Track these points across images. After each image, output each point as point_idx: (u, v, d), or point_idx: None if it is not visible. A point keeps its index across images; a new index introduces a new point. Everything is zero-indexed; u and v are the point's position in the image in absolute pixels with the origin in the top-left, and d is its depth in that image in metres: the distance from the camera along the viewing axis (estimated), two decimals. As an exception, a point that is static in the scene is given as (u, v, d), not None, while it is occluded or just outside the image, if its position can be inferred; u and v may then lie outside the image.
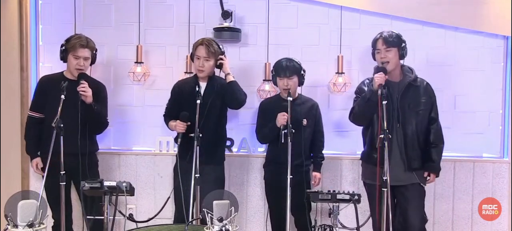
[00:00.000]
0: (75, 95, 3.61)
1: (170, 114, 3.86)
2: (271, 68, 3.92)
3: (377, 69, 3.54)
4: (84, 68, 3.78)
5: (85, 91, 3.63)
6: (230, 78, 3.75)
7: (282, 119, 3.60)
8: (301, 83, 3.84)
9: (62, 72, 3.88)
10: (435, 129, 3.61)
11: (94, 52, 3.85)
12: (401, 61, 3.64)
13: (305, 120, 3.79)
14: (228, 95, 3.73)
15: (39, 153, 3.85)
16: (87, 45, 3.77)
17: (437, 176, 3.65)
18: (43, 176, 3.32)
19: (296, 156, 3.59)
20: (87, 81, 3.73)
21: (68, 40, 3.79)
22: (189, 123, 3.64)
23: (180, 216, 3.59)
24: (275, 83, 3.87)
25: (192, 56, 3.84)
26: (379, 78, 3.44)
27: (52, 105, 3.53)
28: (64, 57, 3.80)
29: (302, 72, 3.80)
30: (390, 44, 3.55)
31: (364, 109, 3.55)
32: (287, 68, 3.75)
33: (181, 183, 3.53)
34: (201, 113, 3.61)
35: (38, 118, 3.83)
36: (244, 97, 3.79)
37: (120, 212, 3.27)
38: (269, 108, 3.87)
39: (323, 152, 3.97)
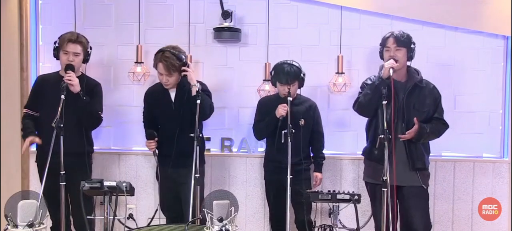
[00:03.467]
0: (70, 93, 3.55)
1: (148, 122, 3.88)
2: (271, 70, 3.91)
3: (387, 59, 3.56)
4: (74, 64, 3.66)
5: (71, 79, 3.54)
6: (195, 90, 3.61)
7: (282, 109, 3.60)
8: (300, 86, 3.83)
9: (58, 71, 3.84)
10: (439, 120, 3.63)
11: (88, 50, 3.77)
12: (408, 63, 3.64)
13: (302, 120, 3.77)
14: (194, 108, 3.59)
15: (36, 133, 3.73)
16: (76, 40, 3.70)
17: (416, 131, 3.48)
18: (43, 177, 3.30)
19: (293, 155, 3.58)
20: (81, 78, 3.68)
21: (60, 37, 3.76)
22: (156, 139, 3.71)
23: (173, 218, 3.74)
24: (274, 85, 3.87)
25: (155, 67, 3.74)
26: (391, 63, 3.46)
27: (47, 104, 3.49)
28: (56, 54, 3.76)
29: (302, 75, 3.78)
30: (401, 44, 3.56)
31: (371, 98, 3.52)
32: (288, 75, 3.72)
33: (166, 190, 3.69)
34: (175, 122, 3.66)
35: (33, 115, 3.78)
36: (209, 111, 3.69)
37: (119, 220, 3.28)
38: (267, 106, 3.87)
39: (323, 151, 3.97)
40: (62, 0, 4.40)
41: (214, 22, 4.27)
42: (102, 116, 3.84)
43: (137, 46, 4.28)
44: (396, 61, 3.51)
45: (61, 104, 3.35)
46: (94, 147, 3.95)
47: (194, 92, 3.60)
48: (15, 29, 4.26)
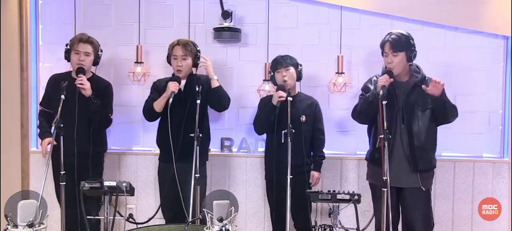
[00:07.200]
0: (81, 96, 3.66)
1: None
2: (269, 69, 3.90)
3: (384, 71, 3.55)
4: (85, 64, 3.76)
5: (83, 84, 3.64)
6: (215, 83, 3.80)
7: (277, 95, 3.61)
8: (299, 78, 3.83)
9: (70, 72, 3.91)
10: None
11: (98, 52, 3.86)
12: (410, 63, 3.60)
13: (303, 116, 3.76)
14: (213, 100, 3.80)
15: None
16: (87, 41, 3.79)
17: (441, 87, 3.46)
18: (45, 176, 3.30)
19: (295, 155, 3.54)
20: (92, 79, 3.75)
21: (71, 39, 3.84)
22: (180, 86, 3.71)
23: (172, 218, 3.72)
24: (274, 83, 3.83)
25: (169, 58, 3.87)
26: (383, 80, 3.43)
27: (57, 104, 3.50)
28: (67, 56, 3.83)
29: (299, 67, 3.81)
30: (398, 49, 3.50)
31: (366, 110, 3.56)
32: (283, 59, 3.77)
33: (167, 188, 3.68)
34: (182, 113, 3.67)
35: (48, 113, 3.85)
36: (228, 103, 3.87)
37: (119, 213, 3.28)
38: (267, 104, 3.84)
39: (323, 151, 3.95)
40: (62, 0, 4.40)
41: (214, 22, 4.27)
42: (111, 117, 3.91)
43: (137, 46, 4.28)
44: (392, 74, 3.47)
45: (60, 104, 3.40)
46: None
47: (214, 86, 3.77)
48: (15, 29, 4.27)
